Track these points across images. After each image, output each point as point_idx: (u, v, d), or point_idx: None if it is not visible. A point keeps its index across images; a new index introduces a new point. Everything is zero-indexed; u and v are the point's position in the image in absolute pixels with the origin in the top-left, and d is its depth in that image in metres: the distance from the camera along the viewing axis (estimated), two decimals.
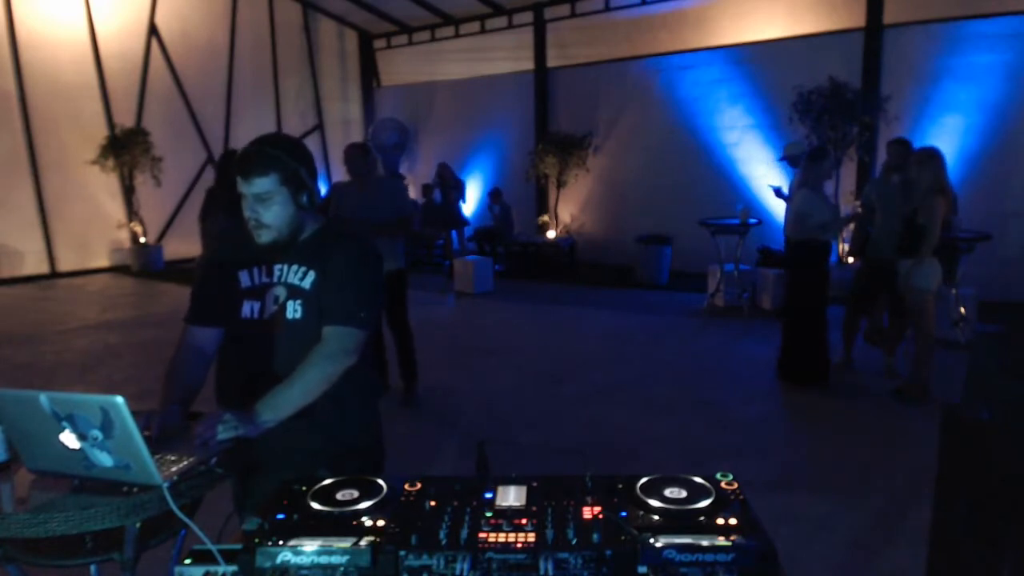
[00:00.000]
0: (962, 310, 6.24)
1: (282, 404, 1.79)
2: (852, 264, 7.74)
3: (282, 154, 1.83)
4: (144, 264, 11.46)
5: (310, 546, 1.21)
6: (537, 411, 5.03)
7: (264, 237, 1.87)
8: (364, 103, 14.76)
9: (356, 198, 4.75)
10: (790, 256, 5.50)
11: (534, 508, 1.33)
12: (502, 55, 12.47)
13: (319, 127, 14.28)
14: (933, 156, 4.71)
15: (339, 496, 1.39)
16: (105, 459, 1.46)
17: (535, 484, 1.43)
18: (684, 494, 1.34)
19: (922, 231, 4.62)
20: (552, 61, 11.93)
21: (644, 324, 7.57)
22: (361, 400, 2.04)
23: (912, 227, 4.70)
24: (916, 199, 4.72)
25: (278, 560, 1.20)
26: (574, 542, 1.21)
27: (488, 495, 1.38)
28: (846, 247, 8.37)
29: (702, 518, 1.28)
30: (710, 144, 10.15)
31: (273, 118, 13.43)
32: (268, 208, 1.84)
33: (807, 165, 5.27)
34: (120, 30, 11.44)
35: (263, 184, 1.81)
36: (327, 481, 1.46)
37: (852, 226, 6.76)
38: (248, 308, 1.93)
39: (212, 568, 1.22)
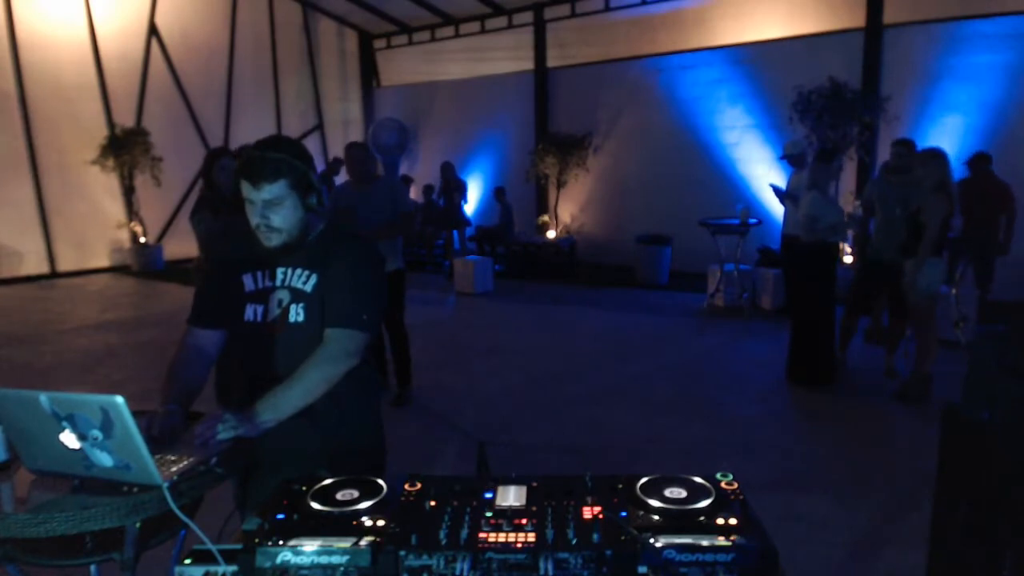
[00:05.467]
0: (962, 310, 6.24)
1: (282, 404, 1.79)
2: (852, 264, 7.74)
3: (290, 158, 1.83)
4: (144, 264, 11.46)
5: (310, 546, 1.21)
6: (537, 411, 5.02)
7: (274, 240, 1.87)
8: (364, 103, 14.76)
9: (356, 198, 4.75)
10: (798, 258, 5.48)
11: (534, 508, 1.33)
12: (502, 55, 12.47)
13: (319, 127, 14.28)
14: (936, 155, 4.71)
15: (339, 496, 1.39)
16: (105, 459, 1.46)
17: (535, 484, 1.43)
18: (684, 494, 1.34)
19: (923, 230, 4.62)
20: (552, 61, 11.93)
21: (644, 324, 7.57)
22: (362, 400, 2.04)
23: (916, 226, 4.70)
24: (919, 198, 4.72)
25: (278, 560, 1.20)
26: (574, 542, 1.21)
27: (488, 495, 1.39)
28: (847, 247, 8.37)
29: (702, 518, 1.28)
30: (710, 144, 10.15)
31: (273, 118, 13.43)
32: (277, 213, 1.83)
33: (815, 166, 5.24)
34: (120, 30, 11.44)
35: (273, 190, 1.81)
36: (327, 481, 1.46)
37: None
38: (251, 311, 1.93)
39: (212, 568, 1.22)
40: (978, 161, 6.76)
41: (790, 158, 7.05)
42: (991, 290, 6.70)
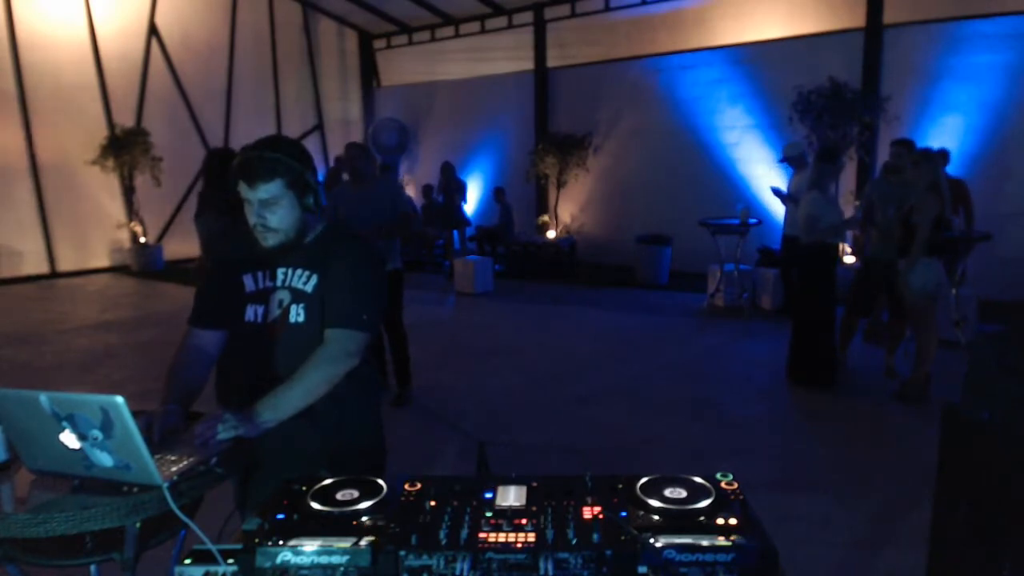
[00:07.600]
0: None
1: (283, 405, 1.79)
2: (853, 264, 7.74)
3: (286, 158, 1.83)
4: (144, 264, 11.46)
5: (310, 546, 1.21)
6: (537, 411, 5.02)
7: (271, 240, 1.87)
8: (364, 103, 14.75)
9: (355, 198, 4.75)
10: (798, 258, 5.47)
11: (534, 508, 1.33)
12: (502, 55, 12.46)
13: (319, 127, 14.27)
14: (929, 157, 4.73)
15: (339, 496, 1.39)
16: (105, 459, 1.46)
17: (535, 484, 1.43)
18: (684, 494, 1.34)
19: (915, 230, 4.64)
20: (552, 61, 11.93)
21: (644, 324, 7.57)
22: (362, 400, 2.04)
23: (909, 226, 4.71)
24: (912, 198, 4.74)
25: (278, 560, 1.20)
26: (574, 542, 1.21)
27: (488, 495, 1.38)
28: (846, 247, 8.37)
29: (702, 518, 1.28)
30: (710, 144, 10.15)
31: (273, 118, 13.42)
32: (274, 212, 1.84)
33: (819, 166, 5.24)
34: (120, 30, 11.44)
35: (269, 189, 1.81)
36: (327, 481, 1.46)
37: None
38: (252, 312, 1.93)
39: (212, 568, 1.22)
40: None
41: (790, 160, 7.05)
42: (965, 281, 6.66)
